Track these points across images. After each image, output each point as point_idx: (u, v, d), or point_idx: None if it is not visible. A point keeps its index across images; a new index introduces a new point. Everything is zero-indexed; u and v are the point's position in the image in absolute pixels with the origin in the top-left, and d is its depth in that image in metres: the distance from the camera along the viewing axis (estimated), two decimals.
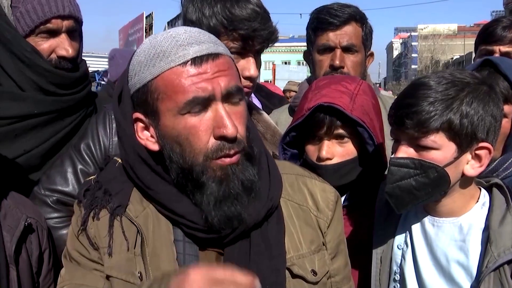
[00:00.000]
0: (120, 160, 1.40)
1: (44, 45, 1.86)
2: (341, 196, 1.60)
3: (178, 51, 1.20)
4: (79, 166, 1.81)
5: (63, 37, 1.88)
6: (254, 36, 1.70)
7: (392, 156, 1.50)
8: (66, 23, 1.87)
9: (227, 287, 1.04)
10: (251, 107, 2.02)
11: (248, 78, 1.76)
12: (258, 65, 1.85)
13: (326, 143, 1.75)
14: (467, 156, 1.47)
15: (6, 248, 1.43)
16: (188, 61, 1.19)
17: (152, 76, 1.22)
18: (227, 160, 1.23)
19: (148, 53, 1.24)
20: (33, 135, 1.85)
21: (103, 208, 1.33)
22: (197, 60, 1.20)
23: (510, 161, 1.78)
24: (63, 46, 1.87)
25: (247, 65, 1.74)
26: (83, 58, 2.05)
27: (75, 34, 1.95)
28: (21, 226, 1.47)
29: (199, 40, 1.23)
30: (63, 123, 1.92)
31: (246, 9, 1.68)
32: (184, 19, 1.77)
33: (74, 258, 1.35)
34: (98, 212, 1.33)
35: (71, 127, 1.94)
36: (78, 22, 1.94)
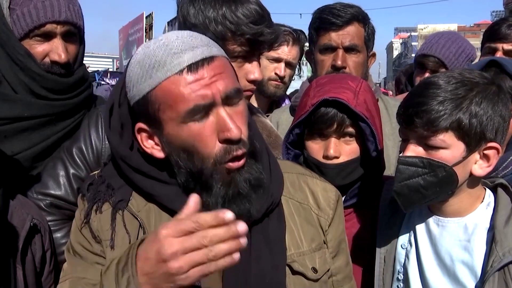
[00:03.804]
0: None
1: (38, 48, 1.84)
2: (342, 195, 1.59)
3: (173, 59, 1.20)
4: (71, 171, 1.81)
5: (57, 41, 1.85)
6: (261, 40, 1.69)
7: (401, 154, 1.50)
8: (61, 28, 1.85)
9: (201, 234, 1.03)
10: (249, 107, 2.01)
11: (252, 82, 1.75)
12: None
13: (334, 141, 1.74)
14: (476, 155, 1.47)
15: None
16: (184, 68, 1.20)
17: (150, 88, 1.22)
18: (235, 165, 1.24)
19: (143, 64, 1.24)
20: (22, 138, 1.83)
21: (105, 202, 1.34)
22: (192, 67, 1.20)
23: (509, 160, 1.79)
24: (56, 51, 1.84)
25: (252, 69, 1.72)
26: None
27: (73, 38, 1.92)
28: (27, 226, 1.48)
29: (192, 45, 1.23)
30: (55, 128, 1.90)
31: (251, 11, 1.65)
32: (183, 22, 1.71)
33: (77, 251, 1.36)
34: (101, 206, 1.34)
35: (64, 132, 1.91)
36: (77, 27, 1.91)
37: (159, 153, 1.28)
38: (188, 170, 1.25)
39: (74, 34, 1.92)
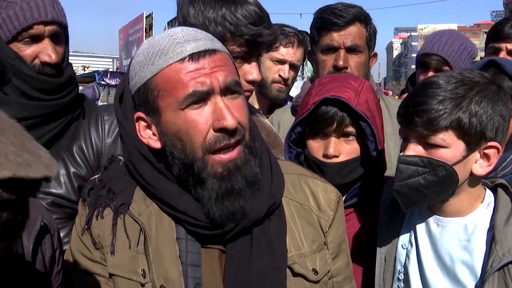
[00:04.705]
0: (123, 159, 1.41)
1: (27, 50, 1.85)
2: (342, 195, 1.60)
3: (176, 48, 1.23)
4: (72, 169, 1.82)
5: (46, 42, 1.86)
6: (260, 41, 1.70)
7: (401, 154, 1.51)
8: (49, 29, 1.85)
9: None
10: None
11: (250, 82, 1.76)
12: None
13: (334, 140, 1.75)
14: (476, 155, 1.48)
15: (24, 246, 1.44)
16: (186, 57, 1.22)
17: (151, 74, 1.24)
18: (226, 156, 1.24)
19: (147, 53, 1.26)
20: None
21: (107, 207, 1.34)
22: (194, 56, 1.22)
23: (508, 159, 1.80)
24: (46, 52, 1.85)
25: (250, 69, 1.73)
26: (69, 61, 2.02)
27: (60, 38, 1.93)
28: (38, 225, 1.49)
29: (196, 38, 1.25)
30: (48, 128, 1.91)
31: (250, 12, 1.67)
32: (183, 23, 1.71)
33: (77, 260, 1.37)
34: (102, 211, 1.35)
35: (56, 131, 1.93)
36: (63, 26, 1.92)
37: (155, 143, 1.29)
38: (181, 161, 1.25)
39: (61, 34, 1.92)
